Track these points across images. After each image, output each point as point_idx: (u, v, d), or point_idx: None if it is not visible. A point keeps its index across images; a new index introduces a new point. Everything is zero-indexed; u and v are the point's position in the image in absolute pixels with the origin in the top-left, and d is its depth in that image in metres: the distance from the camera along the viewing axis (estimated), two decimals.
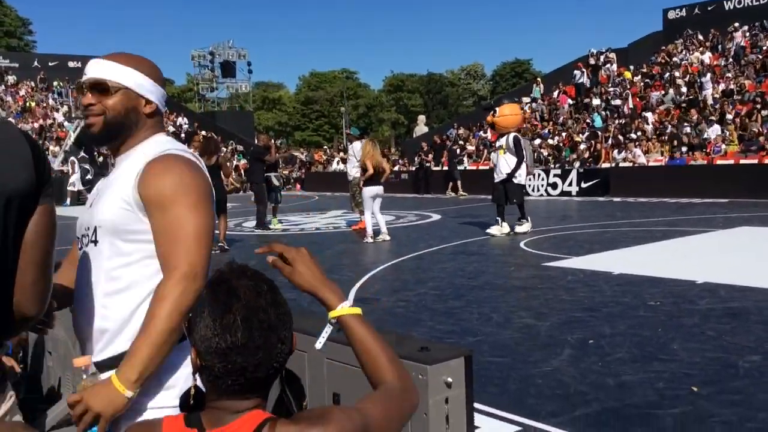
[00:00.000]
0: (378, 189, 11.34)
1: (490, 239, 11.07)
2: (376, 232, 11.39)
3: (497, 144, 11.74)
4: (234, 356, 1.20)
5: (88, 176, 25.86)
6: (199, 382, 1.30)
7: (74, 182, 25.11)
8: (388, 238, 11.32)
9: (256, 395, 1.25)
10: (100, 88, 1.78)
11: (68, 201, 24.78)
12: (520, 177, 11.40)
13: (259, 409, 1.25)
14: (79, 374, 1.67)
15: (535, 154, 23.38)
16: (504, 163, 11.37)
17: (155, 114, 1.85)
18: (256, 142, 15.91)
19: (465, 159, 25.77)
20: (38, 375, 3.84)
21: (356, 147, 13.21)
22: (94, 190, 1.93)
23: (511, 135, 11.39)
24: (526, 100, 30.20)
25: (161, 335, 1.59)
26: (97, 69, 1.79)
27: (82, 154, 26.64)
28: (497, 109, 12.07)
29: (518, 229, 11.50)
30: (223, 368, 1.21)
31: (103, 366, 1.74)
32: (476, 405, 3.20)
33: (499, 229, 11.44)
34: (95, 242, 1.77)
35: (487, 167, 24.47)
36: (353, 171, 13.28)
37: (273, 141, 15.48)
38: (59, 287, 1.84)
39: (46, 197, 1.46)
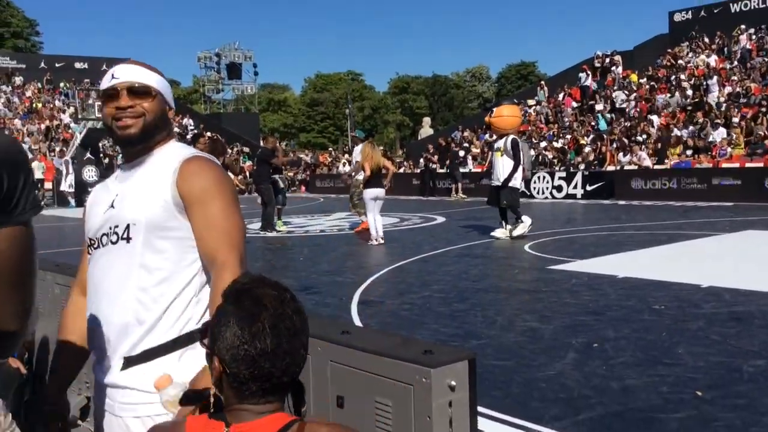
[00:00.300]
0: (378, 191, 11.31)
1: (494, 242, 11.06)
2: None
3: (495, 146, 11.49)
4: (263, 362, 1.26)
5: (94, 178, 25.99)
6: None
7: (71, 183, 25.22)
8: (382, 241, 11.22)
9: (277, 398, 1.31)
10: (142, 91, 1.83)
11: (74, 202, 24.87)
12: (516, 181, 11.15)
13: (281, 411, 1.31)
14: (163, 393, 1.65)
15: (540, 157, 23.40)
16: (501, 166, 11.15)
17: (170, 120, 1.96)
18: (262, 144, 15.95)
19: (470, 161, 25.76)
20: (43, 377, 3.85)
21: (357, 150, 13.30)
22: (108, 191, 1.94)
23: (510, 137, 11.14)
24: (531, 102, 30.19)
25: None
26: (134, 73, 1.85)
27: (88, 155, 26.75)
28: (494, 109, 11.78)
29: (514, 232, 11.21)
30: (250, 374, 1.26)
31: (138, 359, 1.77)
32: (480, 408, 3.20)
33: (504, 232, 11.32)
34: (127, 239, 1.81)
35: None
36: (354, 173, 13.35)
37: (279, 143, 15.53)
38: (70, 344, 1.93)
39: (18, 217, 1.35)
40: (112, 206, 1.88)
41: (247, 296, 1.30)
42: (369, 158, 11.28)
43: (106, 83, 1.86)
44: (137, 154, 1.90)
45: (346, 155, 31.69)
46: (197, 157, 1.86)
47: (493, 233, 11.49)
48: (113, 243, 1.83)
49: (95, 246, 1.89)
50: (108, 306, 1.81)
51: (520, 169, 11.07)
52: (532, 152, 24.02)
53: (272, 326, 1.27)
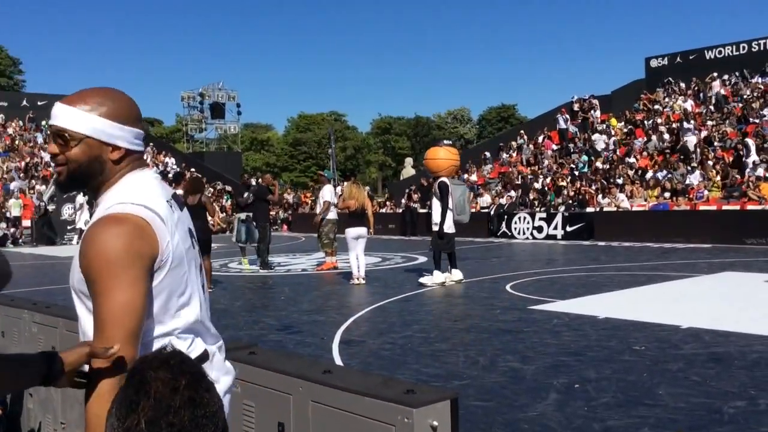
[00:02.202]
0: (360, 230, 11.38)
1: (476, 282, 11.07)
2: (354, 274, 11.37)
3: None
4: None
5: (73, 215, 25.81)
6: None
7: (87, 220, 24.96)
8: (363, 281, 11.21)
9: None
10: (63, 137, 1.69)
11: (76, 240, 24.60)
12: (446, 225, 10.74)
13: None
14: None
15: (517, 198, 23.60)
16: (433, 209, 10.95)
17: (124, 157, 1.73)
18: (259, 182, 16.05)
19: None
20: (17, 417, 3.78)
21: (325, 190, 13.56)
22: None
23: (439, 180, 10.91)
24: (513, 144, 30.58)
25: (94, 419, 1.49)
26: (59, 115, 1.70)
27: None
28: (429, 150, 11.53)
29: (422, 279, 10.90)
30: None
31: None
32: None
33: (449, 277, 10.85)
34: (76, 299, 1.71)
35: (474, 210, 24.66)
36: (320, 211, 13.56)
37: (276, 181, 15.64)
38: None
39: None
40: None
41: (134, 379, 1.11)
42: (353, 197, 11.37)
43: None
44: (91, 197, 1.81)
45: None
46: (101, 220, 1.62)
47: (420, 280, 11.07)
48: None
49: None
50: None
51: (449, 213, 10.75)
52: (488, 197, 24.28)
53: (149, 421, 1.06)
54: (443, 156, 11.11)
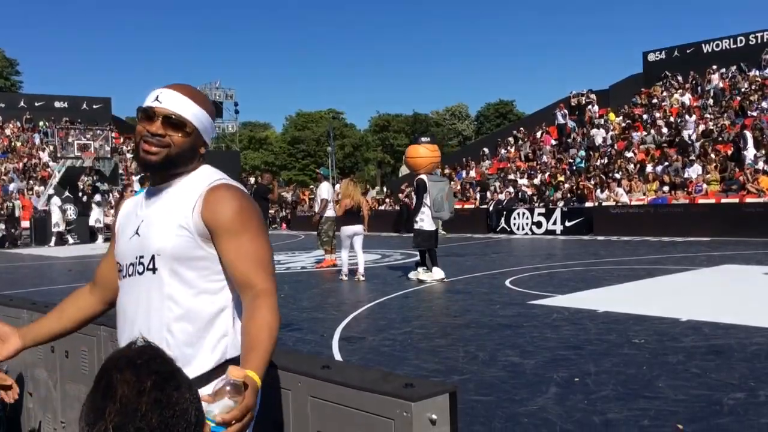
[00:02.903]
0: (356, 228, 11.43)
1: (475, 277, 11.07)
2: (353, 271, 11.39)
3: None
4: None
5: (71, 216, 25.78)
6: None
7: (57, 222, 24.99)
8: (363, 278, 11.19)
9: None
10: (177, 123, 1.80)
11: (53, 242, 24.61)
12: (422, 222, 10.77)
13: None
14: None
15: (519, 194, 23.61)
16: (414, 206, 10.95)
17: (205, 155, 1.93)
18: (259, 180, 16.13)
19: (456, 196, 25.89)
20: (17, 416, 3.78)
21: (322, 188, 13.57)
22: (135, 215, 1.91)
23: (417, 177, 10.95)
24: (511, 140, 30.58)
25: (273, 341, 1.68)
26: (177, 103, 1.80)
27: (67, 194, 26.56)
28: (409, 148, 11.61)
29: (420, 276, 10.80)
30: None
31: None
32: None
33: (430, 275, 10.75)
34: (153, 270, 1.79)
35: (473, 206, 24.68)
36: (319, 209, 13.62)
37: (274, 180, 15.72)
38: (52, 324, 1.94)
39: None
40: (137, 233, 1.86)
41: (101, 383, 1.07)
42: (349, 196, 11.40)
43: (148, 102, 1.82)
44: (164, 178, 1.87)
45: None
46: (222, 185, 1.83)
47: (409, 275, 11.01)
48: (140, 273, 1.82)
49: (123, 274, 1.88)
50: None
51: (427, 210, 10.72)
52: (486, 193, 24.31)
53: (117, 427, 1.02)
54: (422, 153, 11.11)
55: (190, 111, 1.82)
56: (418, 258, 11.53)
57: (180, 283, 1.78)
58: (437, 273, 10.76)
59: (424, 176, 10.89)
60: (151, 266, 1.79)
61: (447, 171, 29.79)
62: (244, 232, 1.78)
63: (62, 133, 31.61)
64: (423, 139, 11.51)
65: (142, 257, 1.82)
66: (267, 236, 1.86)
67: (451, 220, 11.55)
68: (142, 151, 1.81)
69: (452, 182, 27.76)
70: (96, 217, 25.87)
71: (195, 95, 1.85)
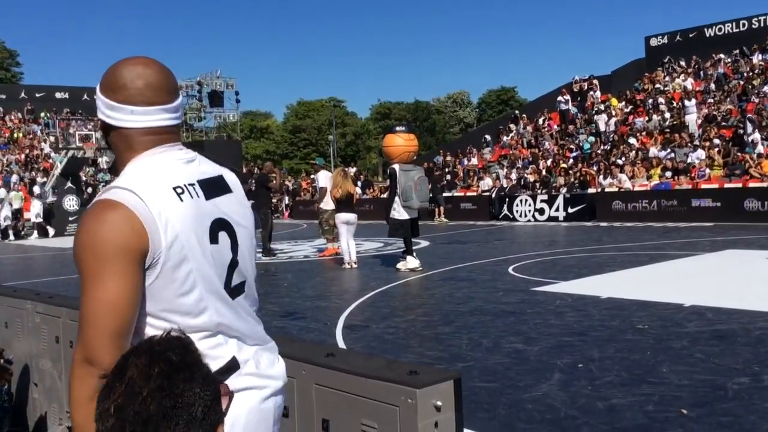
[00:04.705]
0: (349, 216, 11.66)
1: (478, 265, 11.07)
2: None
3: None
4: None
5: (74, 207, 25.80)
6: None
7: (39, 213, 25.13)
8: (355, 265, 11.42)
9: None
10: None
11: (35, 234, 24.81)
12: (394, 212, 10.72)
13: None
14: None
15: (522, 180, 23.56)
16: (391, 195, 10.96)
17: (132, 137, 1.57)
18: (260, 169, 16.28)
19: (457, 183, 25.87)
20: (23, 407, 3.79)
21: (320, 176, 13.94)
22: None
23: (390, 166, 10.98)
24: (513, 127, 30.49)
25: (76, 429, 1.40)
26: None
27: (69, 184, 26.56)
28: (385, 137, 11.55)
29: (399, 265, 10.83)
30: None
31: None
32: (466, 430, 3.18)
33: (404, 264, 10.77)
34: None
35: (475, 193, 24.64)
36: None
37: (277, 169, 15.98)
38: None
39: None
40: None
41: (120, 362, 1.11)
42: (338, 186, 11.57)
43: None
44: None
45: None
46: (88, 210, 1.50)
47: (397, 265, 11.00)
48: None
49: None
50: None
51: (398, 199, 10.65)
52: (489, 180, 24.29)
53: (118, 408, 1.04)
54: (397, 143, 11.08)
55: (98, 102, 1.59)
56: (420, 246, 11.60)
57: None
58: (411, 262, 10.73)
59: (396, 166, 10.88)
60: None
61: (449, 158, 29.76)
62: (79, 277, 1.43)
63: (63, 124, 31.56)
64: (398, 128, 11.46)
65: None
66: (106, 282, 1.39)
67: (425, 210, 11.56)
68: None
69: (455, 169, 27.72)
70: (36, 213, 25.82)
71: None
